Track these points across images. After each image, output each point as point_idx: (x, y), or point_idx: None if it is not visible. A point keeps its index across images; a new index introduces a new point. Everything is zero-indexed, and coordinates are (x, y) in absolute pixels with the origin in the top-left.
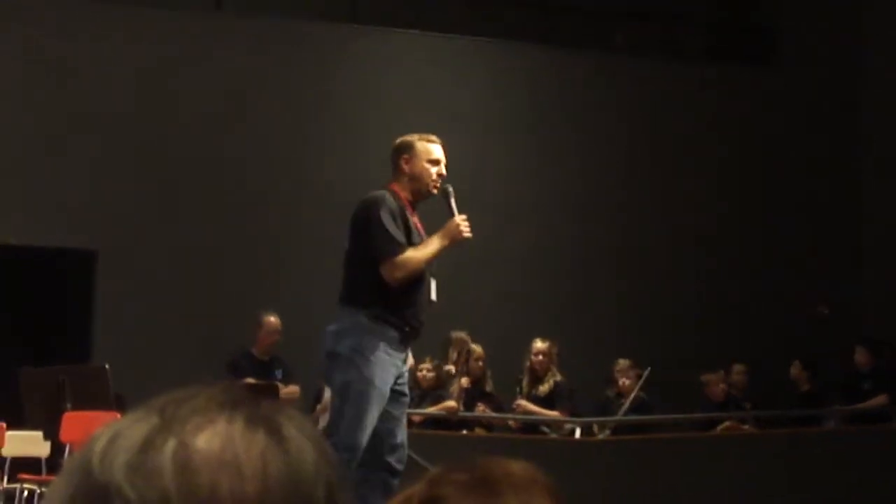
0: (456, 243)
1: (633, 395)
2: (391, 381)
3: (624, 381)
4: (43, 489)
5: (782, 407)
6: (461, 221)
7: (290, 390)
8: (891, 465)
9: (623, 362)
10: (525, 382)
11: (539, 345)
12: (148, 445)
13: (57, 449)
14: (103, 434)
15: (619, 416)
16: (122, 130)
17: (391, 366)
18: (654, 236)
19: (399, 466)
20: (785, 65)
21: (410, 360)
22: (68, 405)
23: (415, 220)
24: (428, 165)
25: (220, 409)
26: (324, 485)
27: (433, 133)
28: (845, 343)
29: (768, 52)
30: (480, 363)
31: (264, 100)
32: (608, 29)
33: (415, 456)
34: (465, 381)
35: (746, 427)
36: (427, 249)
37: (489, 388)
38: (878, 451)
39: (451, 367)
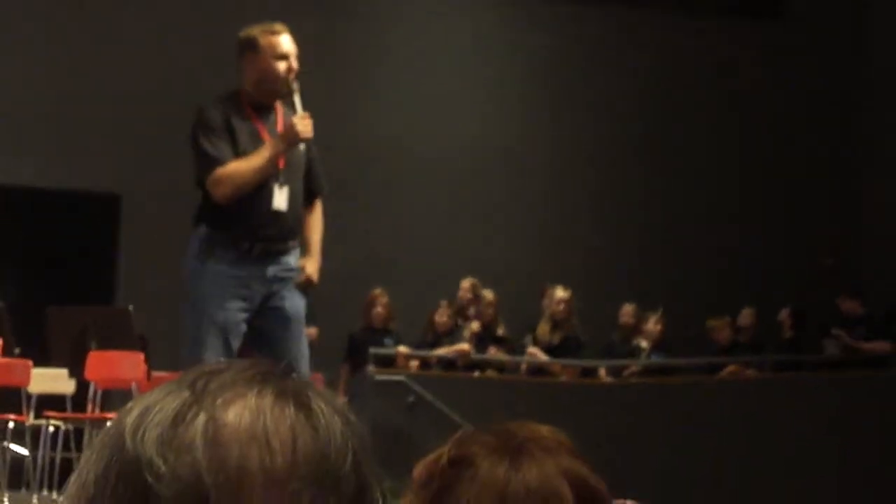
0: (294, 144)
1: (654, 340)
2: (238, 304)
3: (648, 327)
4: (68, 426)
5: (769, 352)
6: (299, 120)
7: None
8: (890, 410)
9: (628, 307)
10: (542, 329)
11: (561, 293)
12: (179, 419)
13: (82, 386)
14: (134, 407)
15: (643, 360)
16: (146, 73)
17: (237, 287)
18: (662, 188)
19: None
20: (794, 19)
21: (309, 274)
22: (93, 345)
23: (258, 123)
24: (274, 62)
25: (249, 383)
26: (351, 458)
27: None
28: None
29: (778, 5)
30: (491, 309)
31: None
32: None
33: (442, 406)
34: (475, 325)
35: (750, 372)
36: (255, 157)
37: (501, 332)
38: (879, 396)
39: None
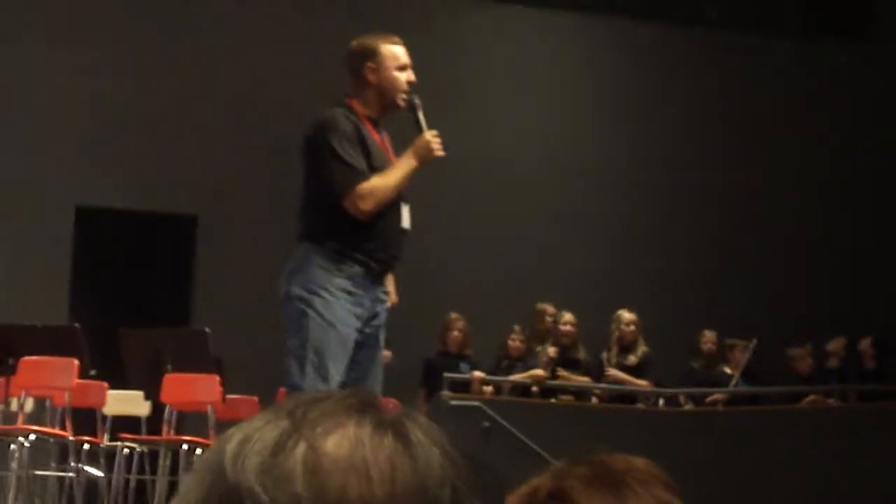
0: (427, 162)
1: (742, 368)
2: (356, 323)
3: (736, 354)
4: (143, 448)
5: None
6: (432, 138)
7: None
8: None
9: (709, 333)
10: (613, 353)
11: (628, 315)
12: (279, 448)
13: (157, 408)
14: (234, 435)
15: (730, 388)
16: (224, 97)
17: (355, 306)
18: (742, 211)
19: None
20: (879, 38)
21: (394, 298)
22: (169, 367)
23: (377, 137)
24: (397, 73)
25: (348, 412)
26: (450, 489)
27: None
28: None
29: (862, 24)
30: (569, 326)
31: None
32: (700, 2)
33: (517, 433)
34: (552, 350)
35: (832, 401)
36: (395, 173)
37: (581, 355)
38: None
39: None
